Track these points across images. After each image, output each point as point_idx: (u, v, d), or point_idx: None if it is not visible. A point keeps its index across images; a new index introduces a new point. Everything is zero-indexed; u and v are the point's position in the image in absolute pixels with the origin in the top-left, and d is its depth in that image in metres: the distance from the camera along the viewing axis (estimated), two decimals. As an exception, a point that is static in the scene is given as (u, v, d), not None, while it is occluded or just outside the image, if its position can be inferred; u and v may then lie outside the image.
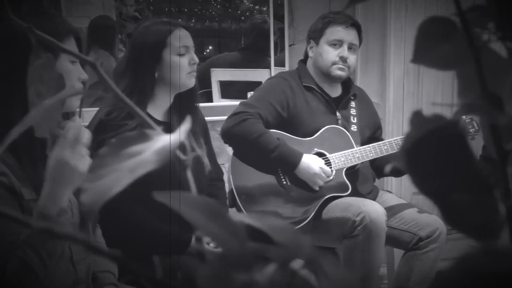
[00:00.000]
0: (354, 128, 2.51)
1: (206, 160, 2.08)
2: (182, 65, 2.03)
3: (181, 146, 0.52)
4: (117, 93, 0.54)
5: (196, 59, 2.07)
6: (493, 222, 0.43)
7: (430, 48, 0.50)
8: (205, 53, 3.54)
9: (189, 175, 0.52)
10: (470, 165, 0.42)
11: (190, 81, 2.07)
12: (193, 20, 3.52)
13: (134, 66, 2.00)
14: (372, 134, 2.61)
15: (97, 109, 2.07)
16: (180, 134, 0.47)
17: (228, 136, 2.33)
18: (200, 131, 2.14)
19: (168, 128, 2.05)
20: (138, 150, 0.47)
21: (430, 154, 0.44)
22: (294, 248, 0.43)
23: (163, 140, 0.46)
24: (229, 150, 2.50)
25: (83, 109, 1.90)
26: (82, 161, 1.21)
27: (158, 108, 2.08)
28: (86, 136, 1.25)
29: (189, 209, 0.38)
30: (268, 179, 2.37)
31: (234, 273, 0.37)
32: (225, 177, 2.39)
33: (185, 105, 2.09)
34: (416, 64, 0.52)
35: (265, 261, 0.42)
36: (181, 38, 2.04)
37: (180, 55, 2.03)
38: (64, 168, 1.20)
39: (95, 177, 0.44)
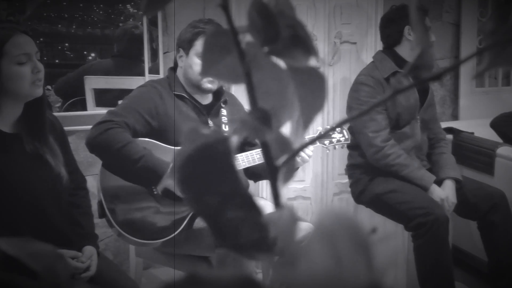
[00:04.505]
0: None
1: (62, 170, 1.99)
2: (24, 74, 1.89)
3: None
4: None
5: (40, 67, 1.93)
6: (265, 239, 0.43)
7: (215, 61, 0.49)
8: (87, 60, 3.43)
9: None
10: (236, 183, 0.42)
11: (36, 91, 1.94)
12: (74, 26, 3.39)
13: None
14: (245, 139, 2.61)
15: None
16: None
17: (92, 145, 2.27)
18: (55, 140, 2.04)
19: (19, 139, 1.96)
20: None
21: (200, 172, 0.43)
22: (52, 276, 0.40)
23: None
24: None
25: None
26: None
27: (5, 119, 1.95)
28: None
29: None
30: (138, 189, 2.32)
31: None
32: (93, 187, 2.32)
33: (35, 115, 1.98)
34: (205, 76, 0.51)
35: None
36: (22, 44, 1.90)
37: (21, 63, 1.89)
38: None
39: None
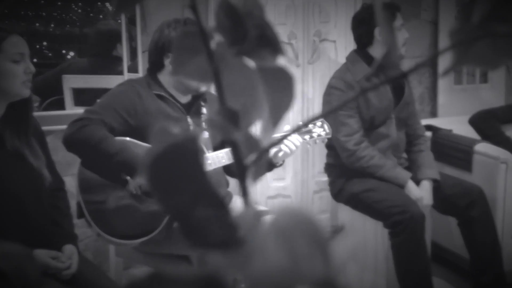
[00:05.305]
0: (205, 134, 2.50)
1: (45, 172, 2.00)
2: (17, 73, 1.94)
3: None
4: None
5: (33, 68, 1.98)
6: (233, 237, 0.43)
7: (186, 61, 0.50)
8: (65, 59, 3.39)
9: None
10: (204, 182, 0.42)
11: (24, 91, 1.97)
12: (52, 25, 3.36)
13: None
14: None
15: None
16: None
17: (69, 143, 2.25)
18: (36, 141, 2.04)
19: (1, 139, 1.95)
20: None
21: (170, 170, 0.43)
22: (21, 276, 0.40)
23: None
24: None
25: None
26: None
27: None
28: None
29: None
30: (117, 188, 2.31)
31: None
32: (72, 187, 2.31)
33: (19, 115, 2.00)
34: (176, 76, 0.51)
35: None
36: (17, 44, 1.95)
37: (15, 62, 1.94)
38: None
39: None
